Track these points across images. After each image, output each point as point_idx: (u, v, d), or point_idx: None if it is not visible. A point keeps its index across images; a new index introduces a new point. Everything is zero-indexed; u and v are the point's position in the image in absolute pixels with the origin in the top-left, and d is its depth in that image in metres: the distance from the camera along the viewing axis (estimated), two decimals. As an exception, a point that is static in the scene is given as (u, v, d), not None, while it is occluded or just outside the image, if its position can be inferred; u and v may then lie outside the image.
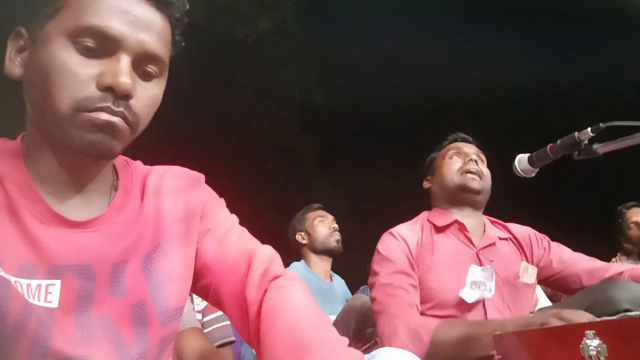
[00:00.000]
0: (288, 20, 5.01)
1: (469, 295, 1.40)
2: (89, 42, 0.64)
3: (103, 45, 0.65)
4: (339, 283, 2.72)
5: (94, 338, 0.68)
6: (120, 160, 0.82)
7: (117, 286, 0.72)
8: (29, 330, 0.63)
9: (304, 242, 2.67)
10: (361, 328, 1.91)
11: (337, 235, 2.65)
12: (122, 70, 0.65)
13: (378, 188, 4.99)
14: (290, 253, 2.73)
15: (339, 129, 5.35)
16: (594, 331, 0.76)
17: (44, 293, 0.66)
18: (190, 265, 0.80)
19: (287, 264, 2.64)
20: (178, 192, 0.82)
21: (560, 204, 4.34)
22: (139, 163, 0.85)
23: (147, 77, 0.70)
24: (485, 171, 1.60)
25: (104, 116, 0.65)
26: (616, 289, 1.25)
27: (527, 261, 1.57)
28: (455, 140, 1.70)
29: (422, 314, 1.42)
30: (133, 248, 0.74)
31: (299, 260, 2.70)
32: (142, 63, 0.68)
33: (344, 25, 5.12)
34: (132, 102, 0.67)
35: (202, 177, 0.88)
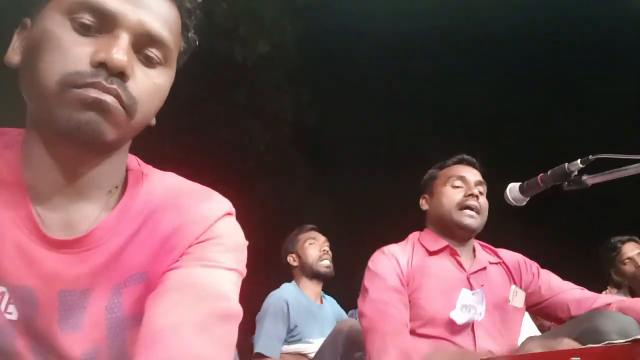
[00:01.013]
0: (287, 44, 5.09)
1: (460, 317, 1.41)
2: (86, 19, 0.59)
3: (100, 21, 0.60)
4: (330, 304, 2.69)
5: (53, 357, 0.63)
6: (136, 172, 0.71)
7: (70, 319, 0.63)
8: None
9: (295, 264, 2.65)
10: (349, 352, 1.89)
11: (327, 259, 2.60)
12: (117, 45, 0.59)
13: (370, 209, 5.01)
14: (283, 274, 2.72)
15: (333, 150, 5.39)
16: (579, 358, 0.76)
17: (6, 303, 0.62)
18: None
19: (278, 284, 2.62)
20: (190, 222, 0.68)
21: (550, 231, 4.38)
22: (156, 174, 0.73)
23: (149, 62, 0.63)
24: (484, 204, 1.59)
25: (94, 92, 0.58)
26: (604, 320, 1.26)
27: (515, 284, 1.58)
28: (460, 162, 1.66)
29: (412, 332, 1.42)
30: (101, 274, 0.64)
31: (290, 281, 2.68)
32: (143, 45, 0.62)
33: (341, 49, 5.22)
34: (129, 83, 0.60)
35: (230, 209, 0.73)
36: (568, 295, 1.54)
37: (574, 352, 0.79)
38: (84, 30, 0.60)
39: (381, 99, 4.98)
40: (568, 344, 0.99)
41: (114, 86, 0.59)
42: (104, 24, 0.60)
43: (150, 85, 0.63)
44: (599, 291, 2.85)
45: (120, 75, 0.59)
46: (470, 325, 1.44)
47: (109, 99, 0.59)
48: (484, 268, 1.57)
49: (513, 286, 1.56)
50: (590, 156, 1.25)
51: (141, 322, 0.61)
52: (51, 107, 0.59)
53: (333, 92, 5.22)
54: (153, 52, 0.63)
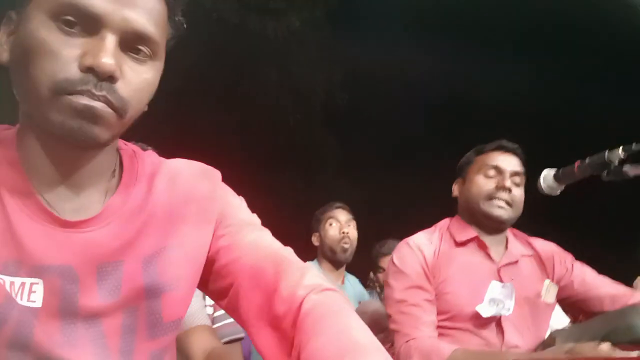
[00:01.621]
0: (318, 19, 4.99)
1: (486, 310, 1.37)
2: (71, 21, 0.59)
3: (85, 23, 0.60)
4: (352, 284, 2.68)
5: (76, 342, 0.65)
6: (128, 151, 0.76)
7: (108, 288, 0.67)
8: (9, 325, 0.61)
9: (317, 244, 2.63)
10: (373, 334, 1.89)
11: (346, 243, 2.52)
12: (104, 49, 0.59)
13: (400, 190, 4.95)
14: (311, 253, 2.70)
15: (363, 130, 5.32)
16: None
17: (28, 292, 0.63)
18: (197, 273, 0.74)
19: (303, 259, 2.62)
20: (195, 185, 0.75)
21: (586, 219, 4.23)
22: (149, 154, 0.78)
23: (138, 59, 0.64)
24: (519, 196, 1.49)
25: (84, 100, 0.59)
26: (637, 317, 1.21)
27: (549, 278, 1.52)
28: (498, 149, 1.55)
29: (438, 325, 1.39)
30: (131, 247, 0.69)
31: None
32: (130, 43, 0.63)
33: (373, 27, 5.09)
34: (118, 85, 0.61)
35: (218, 174, 0.81)
36: (602, 291, 1.48)
37: None
38: (70, 31, 0.60)
39: (415, 79, 4.84)
40: (596, 351, 0.94)
41: (103, 92, 0.60)
42: (90, 25, 0.60)
43: (139, 82, 0.64)
44: (630, 280, 2.78)
45: (109, 78, 0.60)
46: (497, 320, 1.39)
47: (98, 105, 0.60)
48: (516, 261, 1.50)
49: (547, 281, 1.50)
50: (633, 144, 1.18)
51: (175, 288, 0.70)
52: (44, 112, 0.61)
53: (366, 71, 5.10)
54: (141, 48, 0.64)
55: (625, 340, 1.14)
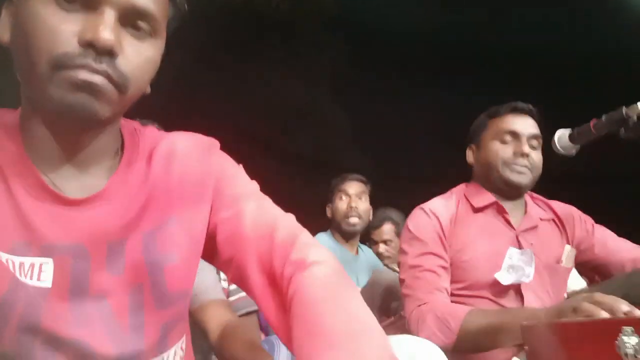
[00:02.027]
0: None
1: (505, 278, 1.34)
2: None
3: None
4: (366, 255, 2.69)
5: (87, 320, 0.65)
6: (129, 127, 0.76)
7: (114, 265, 0.67)
8: (18, 307, 0.61)
9: (329, 215, 2.63)
10: (387, 302, 1.90)
11: (354, 217, 2.51)
12: (104, 24, 0.59)
13: (412, 158, 4.88)
14: (322, 223, 2.69)
15: (371, 100, 5.23)
16: (632, 328, 0.69)
17: (37, 272, 0.63)
18: (199, 244, 0.75)
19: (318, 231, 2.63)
20: (189, 161, 0.75)
21: (604, 181, 4.14)
22: (150, 130, 0.78)
23: (138, 35, 0.63)
24: (537, 159, 1.44)
25: (83, 74, 0.59)
26: (658, 276, 1.18)
27: (568, 243, 1.48)
28: (513, 111, 1.48)
29: (454, 294, 1.37)
30: (134, 224, 0.69)
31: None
32: (130, 19, 0.62)
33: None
34: (118, 60, 0.61)
35: (216, 143, 0.80)
36: (624, 255, 1.43)
37: (627, 321, 0.71)
38: (69, 7, 0.59)
39: (422, 49, 4.71)
40: (616, 301, 0.91)
41: (103, 66, 0.59)
42: (89, 0, 0.60)
43: (140, 58, 0.64)
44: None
45: (109, 53, 0.60)
46: (517, 287, 1.36)
47: (98, 79, 0.60)
48: (535, 226, 1.46)
49: (567, 246, 1.46)
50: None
51: (176, 260, 0.70)
52: (43, 88, 0.60)
53: (373, 44, 4.98)
54: (141, 25, 0.63)
55: (644, 299, 1.12)
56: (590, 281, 1.88)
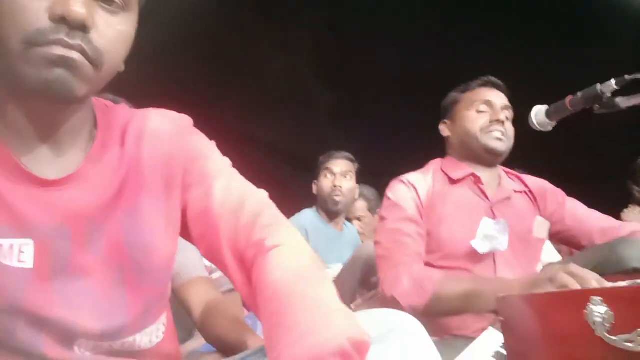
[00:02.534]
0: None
1: (481, 246, 1.39)
2: None
3: None
4: (350, 232, 2.71)
5: (70, 299, 0.66)
6: (100, 106, 0.75)
7: (94, 244, 0.68)
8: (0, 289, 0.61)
9: (315, 192, 2.65)
10: (367, 276, 1.93)
11: (337, 196, 2.52)
12: None
13: (392, 138, 4.89)
14: (306, 202, 2.71)
15: (355, 78, 5.18)
16: (601, 298, 0.72)
17: (17, 253, 0.63)
18: (176, 221, 0.75)
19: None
20: (161, 138, 0.75)
21: (572, 150, 4.20)
22: (122, 107, 0.77)
23: (110, 10, 0.62)
24: (510, 129, 1.51)
25: (58, 50, 0.58)
26: (626, 247, 1.23)
27: (540, 215, 1.54)
28: (485, 85, 1.55)
29: (430, 264, 1.41)
30: (112, 204, 0.69)
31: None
32: None
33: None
34: (92, 35, 0.60)
35: (188, 120, 0.80)
36: (593, 224, 1.50)
37: (595, 292, 0.73)
38: None
39: (405, 23, 4.65)
40: (589, 273, 0.95)
41: (78, 41, 0.59)
42: None
43: (114, 33, 0.63)
44: (620, 208, 2.84)
45: (81, 28, 0.58)
46: (491, 256, 1.41)
47: (75, 55, 0.59)
48: (509, 197, 1.51)
49: (539, 217, 1.51)
50: (626, 76, 1.15)
51: (154, 238, 0.71)
52: (17, 66, 0.59)
53: (355, 15, 4.90)
54: (113, 0, 0.62)
55: (613, 270, 1.16)
56: (564, 254, 1.94)
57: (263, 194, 0.77)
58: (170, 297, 0.87)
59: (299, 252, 0.66)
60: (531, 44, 4.29)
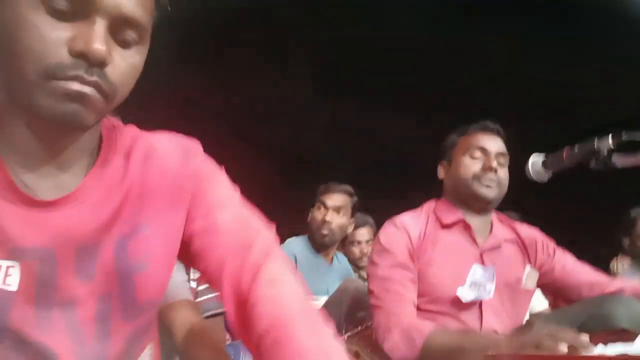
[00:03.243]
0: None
1: (466, 294, 1.39)
2: (61, 4, 0.57)
3: (76, 6, 0.58)
4: (340, 264, 2.67)
5: (52, 326, 0.64)
6: (107, 124, 0.74)
7: (85, 270, 0.66)
8: None
9: (308, 220, 2.61)
10: (354, 311, 1.91)
11: (325, 230, 2.48)
12: (96, 35, 0.58)
13: (395, 151, 4.83)
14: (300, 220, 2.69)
15: (355, 88, 5.14)
16: None
17: (3, 275, 0.62)
18: (173, 252, 0.73)
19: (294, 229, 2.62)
20: (168, 164, 0.73)
21: (570, 205, 4.23)
22: (129, 128, 0.76)
23: (125, 43, 0.63)
24: (503, 176, 1.50)
25: (76, 86, 0.59)
26: (615, 306, 1.23)
27: (530, 264, 1.54)
28: (482, 130, 1.56)
29: (418, 308, 1.41)
30: (107, 228, 0.68)
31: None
32: (119, 28, 0.61)
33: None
34: (107, 70, 0.61)
35: (197, 145, 0.78)
36: (582, 278, 1.50)
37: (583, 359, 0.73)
38: (58, 14, 0.58)
39: (407, 27, 4.60)
40: (577, 339, 0.95)
41: (94, 78, 0.60)
42: (80, 9, 0.59)
43: (127, 67, 0.64)
44: (609, 257, 2.85)
45: (100, 65, 0.60)
46: (477, 304, 1.41)
47: (89, 90, 0.60)
48: (499, 246, 1.51)
49: (528, 267, 1.51)
50: (623, 134, 1.17)
51: (148, 268, 0.69)
52: (34, 96, 0.59)
53: (355, 23, 4.88)
54: (130, 35, 0.63)
55: (601, 328, 1.16)
56: (553, 304, 1.93)
57: (269, 233, 0.75)
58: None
59: (299, 308, 0.65)
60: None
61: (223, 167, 0.80)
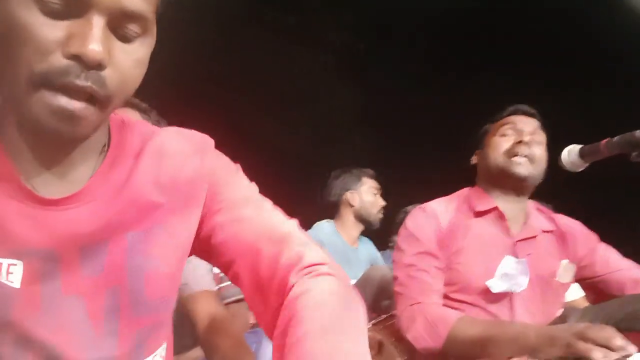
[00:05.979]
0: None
1: (497, 285, 1.33)
2: (55, 3, 0.54)
3: (71, 3, 0.54)
4: (365, 247, 2.67)
5: (58, 323, 0.63)
6: (117, 121, 0.71)
7: (91, 266, 0.64)
8: None
9: (353, 203, 2.59)
10: (378, 300, 1.89)
11: (381, 213, 2.66)
12: (92, 34, 0.54)
13: (421, 144, 4.76)
14: (323, 213, 2.69)
15: (380, 77, 5.04)
16: None
17: (5, 273, 0.60)
18: (185, 250, 0.72)
19: (313, 221, 2.61)
20: (181, 162, 0.71)
21: (613, 198, 4.04)
22: (140, 124, 0.74)
23: (127, 37, 0.59)
24: (539, 154, 1.40)
25: (64, 101, 0.55)
26: (655, 305, 1.16)
27: (569, 258, 1.46)
28: (514, 113, 1.49)
29: (447, 296, 1.36)
30: (116, 225, 0.66)
31: (323, 217, 2.66)
32: (120, 23, 0.57)
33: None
34: (106, 72, 0.56)
35: (210, 142, 0.76)
36: (626, 274, 1.40)
37: None
38: (53, 12, 0.54)
39: (433, 21, 4.47)
40: (609, 340, 0.89)
41: (89, 83, 0.55)
42: (76, 6, 0.54)
43: (129, 63, 0.59)
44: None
45: (97, 67, 0.55)
46: (508, 296, 1.35)
47: (78, 107, 0.56)
48: (534, 236, 1.43)
49: (564, 261, 1.43)
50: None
51: (159, 266, 0.68)
52: (22, 104, 0.57)
53: (381, 13, 4.76)
54: (131, 29, 0.58)
55: (636, 329, 1.10)
56: (589, 298, 1.85)
57: (294, 223, 0.73)
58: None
59: (338, 288, 0.62)
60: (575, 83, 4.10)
61: (239, 164, 0.79)
